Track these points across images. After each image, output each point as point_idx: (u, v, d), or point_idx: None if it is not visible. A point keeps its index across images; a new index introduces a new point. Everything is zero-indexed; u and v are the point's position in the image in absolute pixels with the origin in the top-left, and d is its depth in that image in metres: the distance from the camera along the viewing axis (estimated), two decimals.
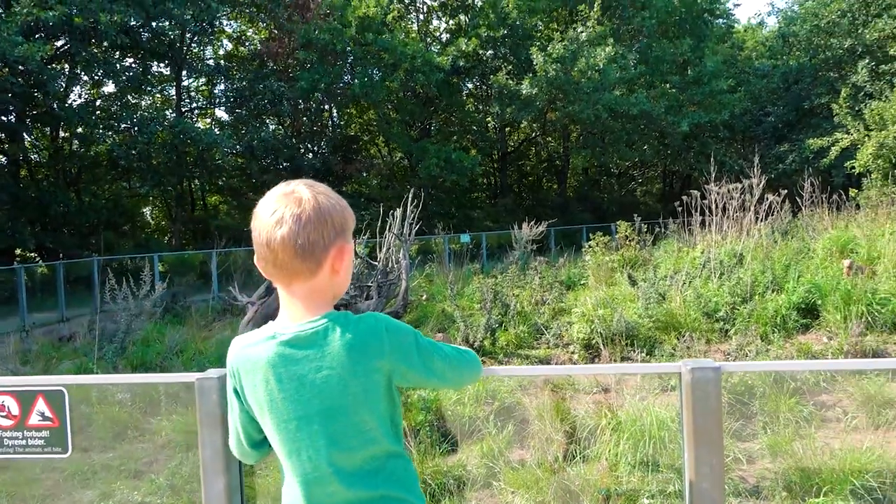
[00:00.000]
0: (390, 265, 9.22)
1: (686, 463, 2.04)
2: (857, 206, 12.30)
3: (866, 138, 23.22)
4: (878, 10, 27.43)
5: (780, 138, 30.30)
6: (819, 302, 7.26)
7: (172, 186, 22.22)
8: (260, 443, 1.61)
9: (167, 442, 5.66)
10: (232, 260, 16.54)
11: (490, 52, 25.88)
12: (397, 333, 1.48)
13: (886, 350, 6.29)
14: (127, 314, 7.18)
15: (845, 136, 24.36)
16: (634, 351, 6.70)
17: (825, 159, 25.17)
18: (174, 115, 22.49)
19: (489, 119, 28.48)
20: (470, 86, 30.11)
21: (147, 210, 28.97)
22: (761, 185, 9.83)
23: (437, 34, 30.60)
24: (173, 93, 24.33)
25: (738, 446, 4.66)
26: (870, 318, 6.73)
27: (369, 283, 8.83)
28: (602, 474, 4.23)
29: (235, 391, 1.56)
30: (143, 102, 23.77)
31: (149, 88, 23.21)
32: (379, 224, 9.51)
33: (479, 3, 27.22)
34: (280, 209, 1.43)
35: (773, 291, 7.66)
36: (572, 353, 7.00)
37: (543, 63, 22.94)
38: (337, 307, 1.56)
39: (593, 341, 6.80)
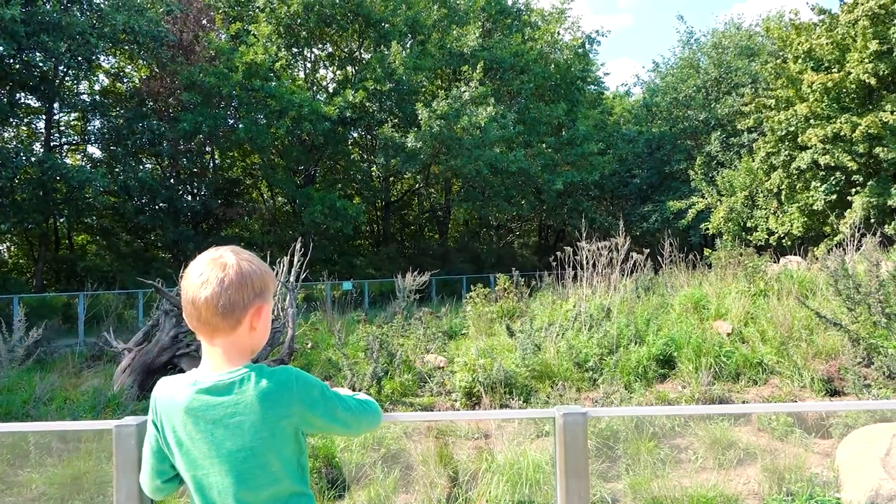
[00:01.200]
0: (276, 313, 9.25)
1: (559, 494, 2.39)
2: (709, 266, 13.47)
3: (718, 202, 25.57)
4: (728, 88, 30.51)
5: (645, 199, 32.64)
6: (675, 354, 7.97)
7: (36, 224, 20.89)
8: (171, 479, 1.77)
9: (38, 495, 5.44)
10: (103, 304, 15.73)
11: (376, 104, 26.45)
12: (306, 385, 1.68)
13: (730, 397, 7.03)
14: None
15: (700, 199, 26.72)
16: (513, 398, 7.10)
17: (683, 220, 27.40)
18: (43, 149, 21.34)
19: (374, 169, 28.92)
20: (355, 135, 30.49)
21: (4, 247, 26.99)
22: (626, 245, 10.67)
23: (324, 83, 30.94)
24: (42, 126, 23.10)
25: (604, 486, 5.09)
26: (717, 369, 7.51)
27: None
28: None
29: (154, 424, 1.72)
30: (7, 135, 22.41)
31: (14, 121, 21.94)
32: None
33: (367, 57, 27.88)
34: (207, 272, 1.63)
35: (635, 344, 8.32)
36: (454, 400, 7.31)
37: (428, 118, 23.73)
38: None
39: (474, 389, 7.16)
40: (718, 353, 7.56)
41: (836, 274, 8.03)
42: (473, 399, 7.16)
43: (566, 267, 11.48)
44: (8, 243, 26.67)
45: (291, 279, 9.53)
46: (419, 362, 8.46)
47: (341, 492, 5.09)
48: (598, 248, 10.84)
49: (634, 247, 11.61)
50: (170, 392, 1.67)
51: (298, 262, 9.60)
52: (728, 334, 8.28)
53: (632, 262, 11.17)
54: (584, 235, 11.06)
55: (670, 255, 12.87)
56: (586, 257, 10.88)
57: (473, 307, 11.60)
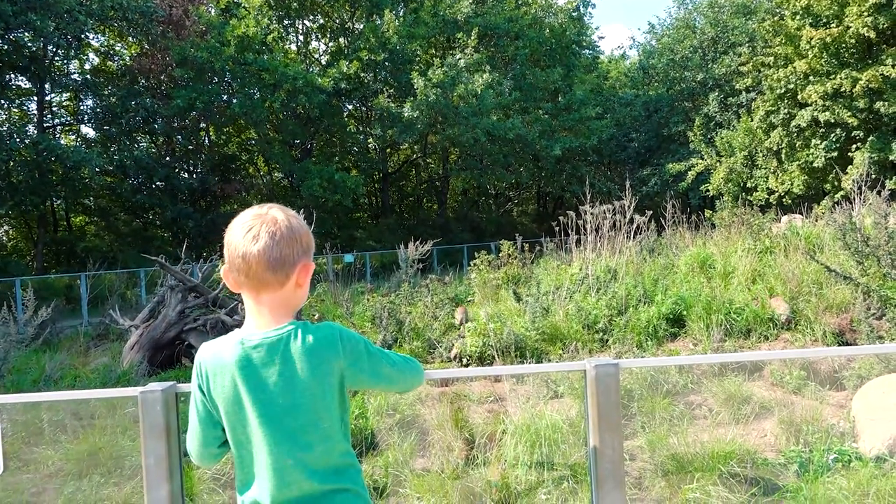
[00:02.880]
0: None
1: (591, 446, 2.36)
2: (713, 226, 13.41)
3: (718, 164, 25.42)
4: (725, 48, 30.15)
5: (643, 163, 32.44)
6: (685, 312, 7.94)
7: (34, 206, 20.75)
8: (224, 444, 1.72)
9: (55, 471, 5.43)
10: (105, 284, 15.69)
11: (371, 75, 26.15)
12: (350, 341, 1.66)
13: None
14: (6, 341, 6.78)
15: (700, 161, 26.54)
16: (525, 362, 7.10)
17: (683, 182, 27.24)
18: (36, 131, 21.14)
19: (371, 140, 28.68)
20: (351, 107, 30.20)
21: (2, 231, 26.92)
22: (633, 206, 10.61)
23: (317, 55, 30.55)
24: (34, 108, 22.85)
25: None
26: (728, 326, 7.49)
27: None
28: (502, 475, 4.52)
29: (200, 388, 1.67)
30: None
31: (6, 102, 21.69)
32: None
33: (359, 28, 27.50)
34: (256, 227, 1.60)
35: (644, 304, 8.29)
36: (466, 365, 7.30)
37: (424, 87, 23.47)
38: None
39: (486, 353, 7.14)
40: (729, 311, 7.53)
41: (843, 228, 7.98)
42: (485, 363, 7.15)
43: (569, 232, 11.42)
44: (6, 227, 26.60)
45: None
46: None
47: (358, 457, 5.09)
48: (603, 212, 10.76)
49: (635, 210, 11.53)
50: (216, 352, 1.64)
51: None
52: (787, 314, 7.45)
53: (635, 225, 11.11)
54: (588, 199, 10.98)
55: (672, 217, 12.81)
56: (590, 222, 10.81)
57: (478, 274, 11.55)
